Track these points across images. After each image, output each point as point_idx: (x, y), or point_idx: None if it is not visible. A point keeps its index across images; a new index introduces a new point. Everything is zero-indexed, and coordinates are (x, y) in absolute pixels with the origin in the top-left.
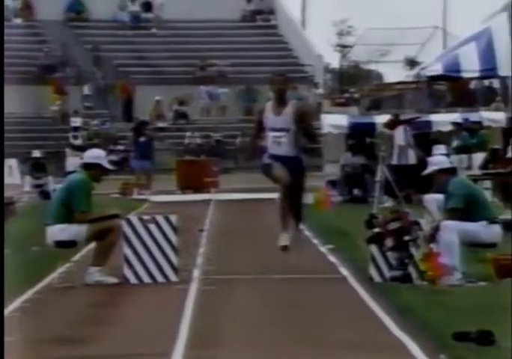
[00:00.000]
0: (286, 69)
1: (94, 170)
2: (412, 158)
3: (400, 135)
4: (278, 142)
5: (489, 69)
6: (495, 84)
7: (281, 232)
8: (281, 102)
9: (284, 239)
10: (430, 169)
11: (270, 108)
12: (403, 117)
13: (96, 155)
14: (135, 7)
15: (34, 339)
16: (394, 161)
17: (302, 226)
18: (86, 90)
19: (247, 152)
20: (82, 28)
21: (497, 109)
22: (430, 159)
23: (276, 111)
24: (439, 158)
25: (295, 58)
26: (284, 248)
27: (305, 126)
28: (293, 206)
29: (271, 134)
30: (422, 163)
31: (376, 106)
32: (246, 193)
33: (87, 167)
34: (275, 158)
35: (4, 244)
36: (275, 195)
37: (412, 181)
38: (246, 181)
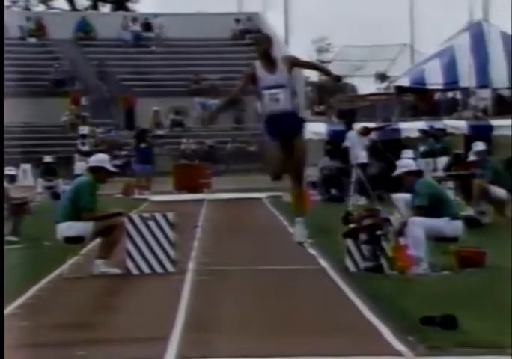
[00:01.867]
0: None
1: (99, 173)
2: (362, 157)
3: (351, 137)
4: (275, 99)
5: (451, 83)
6: (458, 95)
7: (294, 225)
8: (270, 61)
9: (299, 234)
10: (399, 171)
11: (261, 68)
12: (375, 125)
13: (100, 159)
14: (137, 27)
15: (46, 324)
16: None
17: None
18: (83, 101)
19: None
20: (89, 46)
21: (459, 118)
22: (399, 162)
23: (269, 70)
24: (406, 162)
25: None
26: (300, 244)
27: (304, 63)
28: (292, 168)
29: (266, 92)
30: (392, 166)
31: (351, 115)
32: (236, 193)
33: (92, 170)
34: (274, 118)
35: (4, 244)
36: (262, 195)
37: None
38: (236, 182)
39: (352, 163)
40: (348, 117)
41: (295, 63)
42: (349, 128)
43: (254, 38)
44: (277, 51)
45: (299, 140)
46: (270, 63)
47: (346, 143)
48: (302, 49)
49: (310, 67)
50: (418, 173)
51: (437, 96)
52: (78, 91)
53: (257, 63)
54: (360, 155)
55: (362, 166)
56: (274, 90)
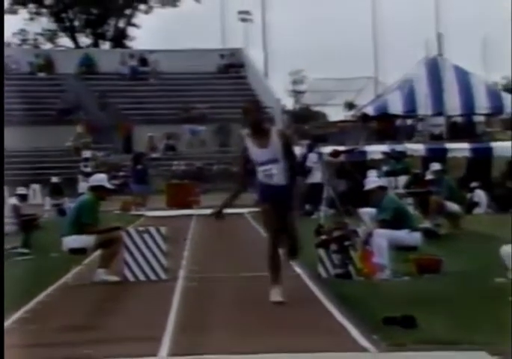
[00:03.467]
0: None
1: (99, 191)
2: (317, 177)
3: (312, 158)
4: (269, 175)
5: (410, 111)
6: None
7: (271, 286)
8: (260, 133)
9: (276, 294)
10: (371, 185)
11: (252, 143)
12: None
13: (99, 179)
14: (134, 62)
15: (52, 326)
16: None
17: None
18: (79, 128)
19: (241, 187)
20: (91, 79)
21: (417, 142)
22: (368, 179)
23: (259, 144)
24: (374, 179)
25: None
26: (278, 303)
27: (291, 157)
28: (285, 238)
29: (260, 168)
30: (359, 184)
31: (323, 140)
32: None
33: (93, 188)
34: (268, 189)
35: (4, 245)
36: (244, 210)
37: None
38: (221, 200)
39: (314, 181)
40: (310, 141)
41: (288, 145)
42: (311, 150)
43: (242, 108)
44: (259, 86)
45: (291, 215)
46: (261, 135)
47: (308, 164)
48: (279, 81)
49: (293, 163)
50: (384, 189)
51: (398, 122)
52: (89, 120)
53: (247, 136)
54: (316, 175)
55: (316, 185)
56: (267, 166)
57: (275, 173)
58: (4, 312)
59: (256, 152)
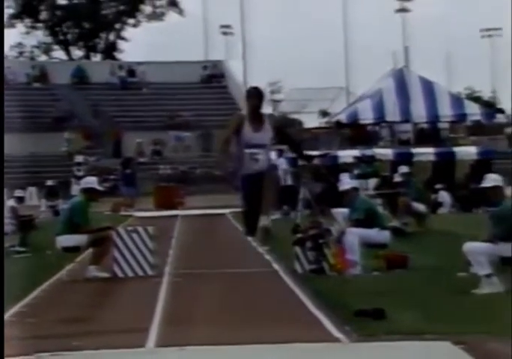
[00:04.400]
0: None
1: (89, 193)
2: (289, 180)
3: (282, 163)
4: (255, 159)
5: (379, 118)
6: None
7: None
8: (257, 118)
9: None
10: (346, 187)
11: (247, 123)
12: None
13: (90, 181)
14: (123, 73)
15: (47, 319)
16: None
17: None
18: (66, 135)
19: (221, 165)
20: (83, 89)
21: (386, 147)
22: (343, 181)
23: (254, 127)
24: (349, 181)
25: (239, 110)
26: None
27: (286, 137)
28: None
29: (248, 150)
30: (333, 186)
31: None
32: (204, 209)
33: (84, 191)
34: (250, 178)
35: (4, 245)
36: (225, 211)
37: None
38: (204, 201)
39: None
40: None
41: (280, 130)
42: (280, 156)
43: (246, 91)
44: (239, 95)
45: (269, 179)
46: (257, 120)
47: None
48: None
49: (289, 142)
50: (357, 190)
51: (368, 129)
52: (83, 127)
53: (244, 116)
54: (287, 179)
55: (289, 188)
56: (255, 150)
57: (260, 159)
58: (4, 306)
59: (248, 134)
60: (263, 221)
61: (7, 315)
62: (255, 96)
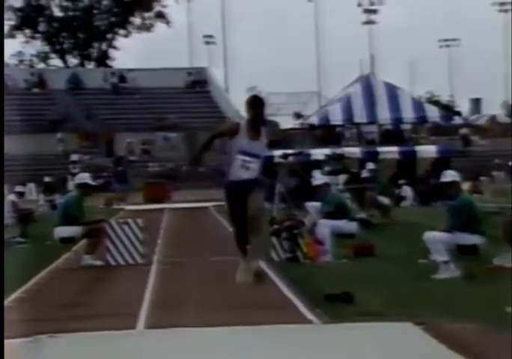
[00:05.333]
0: (214, 120)
1: (83, 188)
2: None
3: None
4: (246, 167)
5: (348, 120)
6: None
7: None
8: (256, 126)
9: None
10: (319, 182)
11: (244, 130)
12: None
13: (83, 177)
14: (114, 79)
15: (45, 304)
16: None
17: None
18: (59, 135)
19: (195, 160)
20: (78, 94)
21: (353, 146)
22: (315, 177)
23: (252, 135)
24: (321, 177)
25: (221, 113)
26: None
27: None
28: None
29: (240, 157)
30: (306, 182)
31: (276, 144)
32: (189, 203)
33: (78, 186)
34: (236, 185)
35: (4, 244)
36: (208, 204)
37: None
38: (189, 195)
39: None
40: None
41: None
42: None
43: (248, 100)
44: (221, 99)
45: (255, 196)
46: (256, 129)
47: None
48: (238, 95)
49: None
50: (328, 186)
51: (338, 130)
52: (82, 129)
53: (242, 124)
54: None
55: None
56: (248, 158)
57: (251, 168)
58: (4, 293)
59: (244, 142)
60: (254, 264)
61: (8, 301)
62: (258, 104)
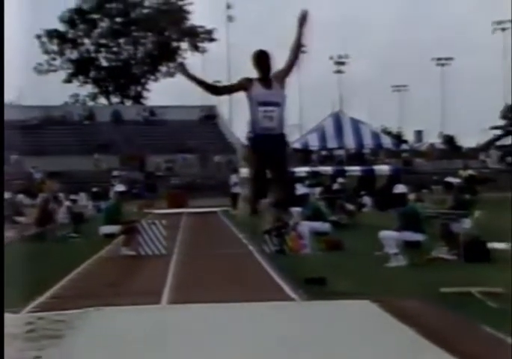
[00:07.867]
0: (221, 145)
1: (119, 194)
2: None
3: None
4: (269, 117)
5: (322, 145)
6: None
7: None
8: (267, 77)
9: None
10: (301, 192)
11: (257, 83)
12: None
13: (120, 187)
14: (146, 114)
15: (94, 282)
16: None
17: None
18: (95, 156)
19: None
20: (119, 125)
21: (327, 165)
22: (298, 189)
23: (265, 85)
24: (303, 188)
25: (226, 140)
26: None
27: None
28: (273, 189)
29: (261, 108)
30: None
31: None
32: (202, 208)
33: (115, 193)
34: (264, 136)
35: (4, 243)
36: (217, 209)
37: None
38: (202, 202)
39: None
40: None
41: (285, 75)
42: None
43: (255, 55)
44: (226, 130)
45: (282, 160)
46: (267, 79)
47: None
48: (240, 127)
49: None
50: (308, 195)
51: (315, 153)
52: (125, 153)
53: (251, 78)
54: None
55: None
56: (269, 107)
57: (274, 116)
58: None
59: (259, 92)
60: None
61: (65, 280)
62: (264, 57)
